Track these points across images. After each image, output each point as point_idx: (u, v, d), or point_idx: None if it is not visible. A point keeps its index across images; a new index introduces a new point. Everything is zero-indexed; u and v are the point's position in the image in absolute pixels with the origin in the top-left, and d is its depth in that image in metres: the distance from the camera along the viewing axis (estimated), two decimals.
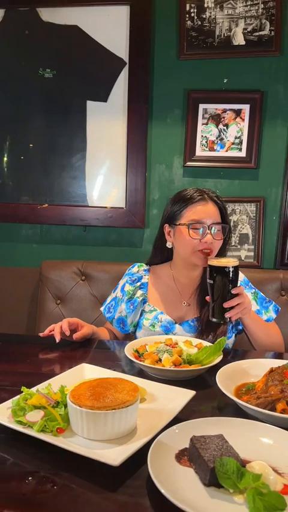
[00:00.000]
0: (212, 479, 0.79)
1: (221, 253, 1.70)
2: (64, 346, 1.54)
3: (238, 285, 1.46)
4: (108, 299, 1.89)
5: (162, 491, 0.75)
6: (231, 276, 1.42)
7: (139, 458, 0.86)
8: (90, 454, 0.86)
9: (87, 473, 0.85)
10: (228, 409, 1.12)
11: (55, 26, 2.42)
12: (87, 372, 1.21)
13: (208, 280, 1.45)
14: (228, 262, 1.42)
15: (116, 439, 0.93)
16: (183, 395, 1.09)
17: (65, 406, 0.98)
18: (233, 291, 1.42)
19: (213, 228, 1.61)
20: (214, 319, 1.46)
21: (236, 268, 1.43)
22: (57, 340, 1.52)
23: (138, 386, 1.02)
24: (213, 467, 0.79)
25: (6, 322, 2.52)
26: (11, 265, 2.61)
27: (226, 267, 1.41)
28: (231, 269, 1.41)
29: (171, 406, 1.04)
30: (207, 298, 1.49)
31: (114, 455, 0.86)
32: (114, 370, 1.27)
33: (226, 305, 1.42)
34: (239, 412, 1.07)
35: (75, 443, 0.91)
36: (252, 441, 0.93)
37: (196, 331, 1.66)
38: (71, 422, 0.96)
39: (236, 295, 1.43)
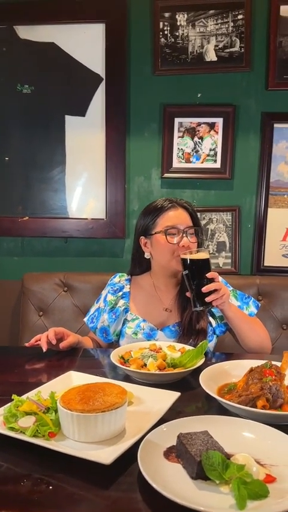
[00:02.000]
0: (199, 472, 0.84)
1: None
2: (50, 355, 1.57)
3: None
4: (92, 310, 1.92)
5: (154, 485, 0.79)
6: (204, 264, 1.54)
7: (129, 457, 0.90)
8: (82, 454, 0.90)
9: (80, 473, 0.88)
10: (212, 408, 1.18)
11: (32, 43, 2.47)
12: (75, 378, 1.25)
13: (183, 272, 1.56)
14: (199, 254, 1.56)
15: (106, 440, 0.97)
16: (169, 397, 1.13)
17: (56, 411, 1.02)
18: (208, 275, 1.53)
19: (187, 232, 1.68)
20: (197, 308, 1.54)
21: (208, 259, 1.56)
22: (44, 349, 1.55)
23: (126, 390, 1.06)
24: (200, 460, 0.84)
25: None
26: None
27: (198, 258, 1.54)
28: (203, 258, 1.55)
29: (158, 408, 1.09)
30: (188, 293, 1.57)
31: (106, 455, 0.90)
32: (100, 377, 1.30)
33: (204, 289, 1.50)
34: (222, 411, 1.13)
35: (67, 446, 0.95)
36: (235, 436, 0.98)
37: (177, 336, 1.71)
38: (62, 427, 0.99)
39: (212, 280, 1.53)
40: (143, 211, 1.83)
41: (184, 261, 1.56)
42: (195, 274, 1.54)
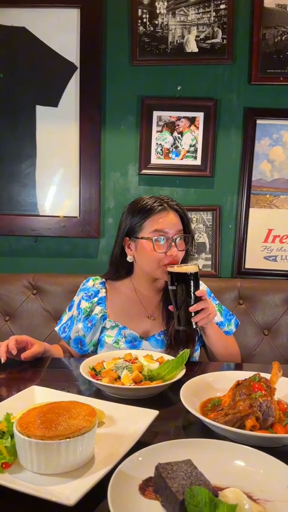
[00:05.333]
0: None
1: (183, 262, 1.63)
2: (12, 366, 1.40)
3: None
4: (64, 318, 1.73)
5: None
6: (193, 280, 1.40)
7: (99, 492, 0.76)
8: (41, 493, 0.75)
9: None
10: (194, 427, 1.04)
11: (1, 27, 2.30)
12: (38, 395, 1.09)
13: (170, 287, 1.42)
14: (188, 267, 1.41)
15: (71, 471, 0.82)
16: (145, 416, 0.99)
17: (12, 436, 0.86)
18: (197, 294, 1.40)
19: (177, 239, 1.53)
20: (181, 327, 1.43)
21: (197, 274, 1.42)
22: (3, 360, 1.38)
23: (96, 410, 0.91)
24: (183, 499, 0.70)
25: None
26: None
27: (187, 273, 1.40)
28: (192, 274, 1.40)
29: (133, 429, 0.95)
30: (171, 307, 1.45)
31: (69, 492, 0.75)
32: (68, 391, 1.16)
33: (192, 309, 1.38)
34: (206, 430, 1.00)
35: (23, 480, 0.79)
36: (222, 464, 0.84)
37: (164, 346, 1.57)
38: (18, 455, 0.84)
39: (200, 299, 1.40)
40: (129, 208, 1.62)
41: (171, 274, 1.41)
42: (182, 290, 1.40)
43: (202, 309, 1.40)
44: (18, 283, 2.25)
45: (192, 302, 1.39)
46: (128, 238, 1.60)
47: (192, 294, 1.40)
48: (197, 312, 1.40)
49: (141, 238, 1.54)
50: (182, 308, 1.40)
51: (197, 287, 1.41)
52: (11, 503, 0.76)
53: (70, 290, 2.15)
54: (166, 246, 1.51)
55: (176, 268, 1.41)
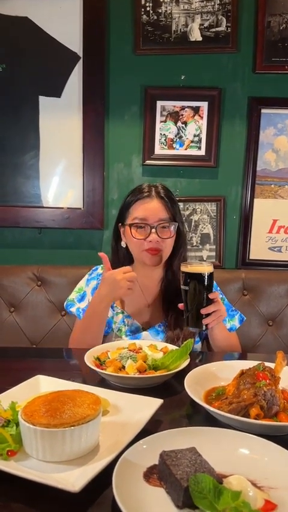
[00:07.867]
0: (186, 500, 0.70)
1: (177, 254, 1.64)
2: (16, 356, 1.41)
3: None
4: (81, 305, 1.70)
5: None
6: (207, 281, 1.36)
7: (103, 479, 0.76)
8: (46, 479, 0.75)
9: (44, 502, 0.74)
10: (198, 416, 1.04)
11: (4, 17, 2.29)
12: (43, 384, 1.09)
13: (182, 287, 1.38)
14: (203, 267, 1.37)
15: (76, 459, 0.82)
16: (150, 405, 0.99)
17: (17, 424, 0.86)
18: (210, 296, 1.36)
19: (157, 226, 1.54)
20: (191, 328, 1.41)
21: (212, 274, 1.37)
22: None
23: (100, 398, 0.92)
24: (187, 486, 0.70)
25: None
26: None
27: (202, 273, 1.36)
28: (207, 274, 1.36)
29: (137, 418, 0.95)
30: (180, 305, 1.42)
31: (74, 479, 0.75)
32: (73, 380, 1.16)
33: (204, 311, 1.36)
34: (210, 419, 1.00)
35: (29, 468, 0.80)
36: (226, 452, 0.84)
37: (164, 338, 1.58)
38: (24, 443, 0.84)
39: (212, 301, 1.37)
40: (125, 196, 1.70)
41: (184, 274, 1.37)
42: (195, 291, 1.35)
43: (213, 311, 1.38)
44: (22, 275, 2.26)
45: (204, 304, 1.36)
46: (120, 224, 1.66)
47: (205, 296, 1.36)
48: (208, 314, 1.37)
49: (127, 224, 1.60)
50: (193, 309, 1.36)
51: (210, 288, 1.37)
52: (16, 490, 0.76)
53: (74, 281, 2.13)
54: (146, 233, 1.55)
55: (190, 268, 1.36)
